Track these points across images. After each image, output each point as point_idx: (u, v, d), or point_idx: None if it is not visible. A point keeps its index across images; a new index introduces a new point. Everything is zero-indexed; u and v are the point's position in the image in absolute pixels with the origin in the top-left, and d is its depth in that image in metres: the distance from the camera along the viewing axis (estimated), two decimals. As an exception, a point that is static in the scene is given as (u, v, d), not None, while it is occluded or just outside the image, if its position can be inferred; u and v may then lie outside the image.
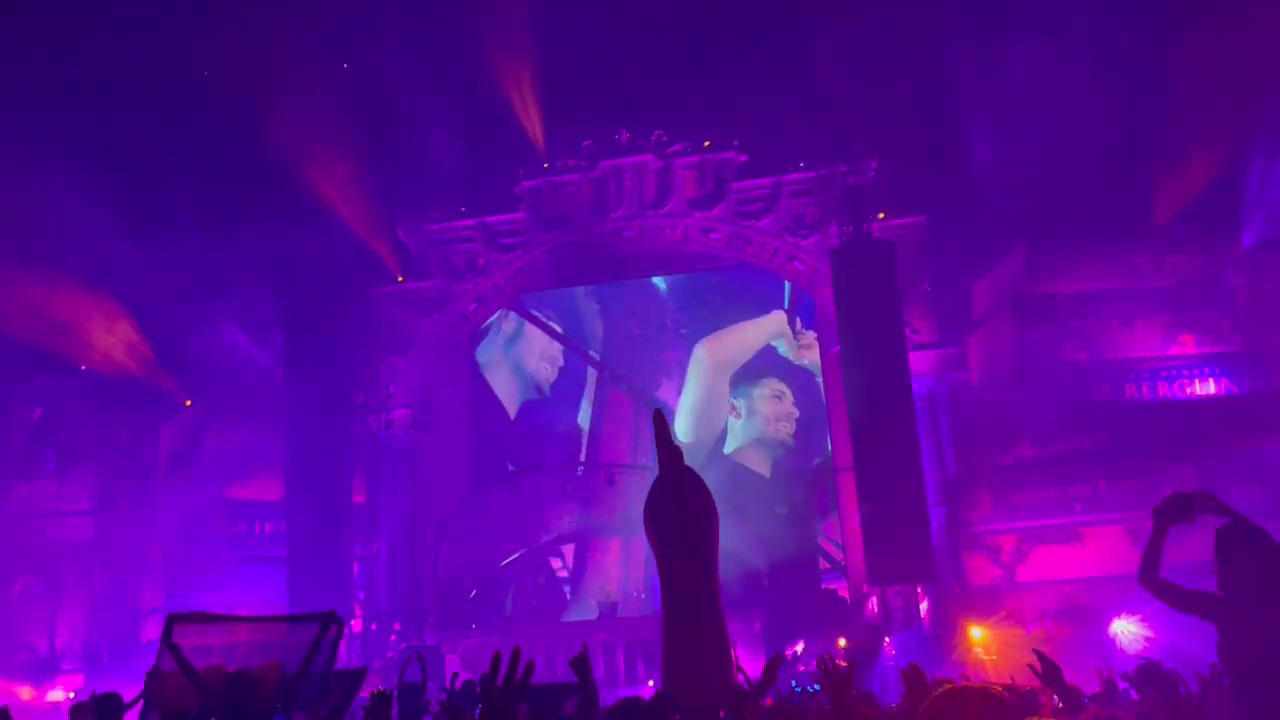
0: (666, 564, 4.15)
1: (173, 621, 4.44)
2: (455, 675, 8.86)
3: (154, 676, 4.70)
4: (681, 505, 4.09)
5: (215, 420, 22.82)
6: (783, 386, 23.56)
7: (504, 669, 2.37)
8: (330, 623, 4.23)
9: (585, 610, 22.35)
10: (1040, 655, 3.94)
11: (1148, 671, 4.12)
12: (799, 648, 17.34)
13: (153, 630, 21.18)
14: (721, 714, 3.89)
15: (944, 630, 17.75)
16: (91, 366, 22.59)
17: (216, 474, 22.34)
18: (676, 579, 4.06)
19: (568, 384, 25.41)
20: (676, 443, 4.42)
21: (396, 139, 22.29)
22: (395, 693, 6.29)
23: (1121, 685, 4.81)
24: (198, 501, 22.21)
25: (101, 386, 22.84)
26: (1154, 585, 3.96)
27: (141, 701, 5.17)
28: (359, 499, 22.13)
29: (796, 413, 23.38)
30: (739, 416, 23.72)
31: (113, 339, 22.30)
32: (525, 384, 24.85)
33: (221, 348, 21.56)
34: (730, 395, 23.90)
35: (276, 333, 21.60)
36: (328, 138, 21.18)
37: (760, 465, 23.27)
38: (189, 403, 23.21)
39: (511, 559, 23.94)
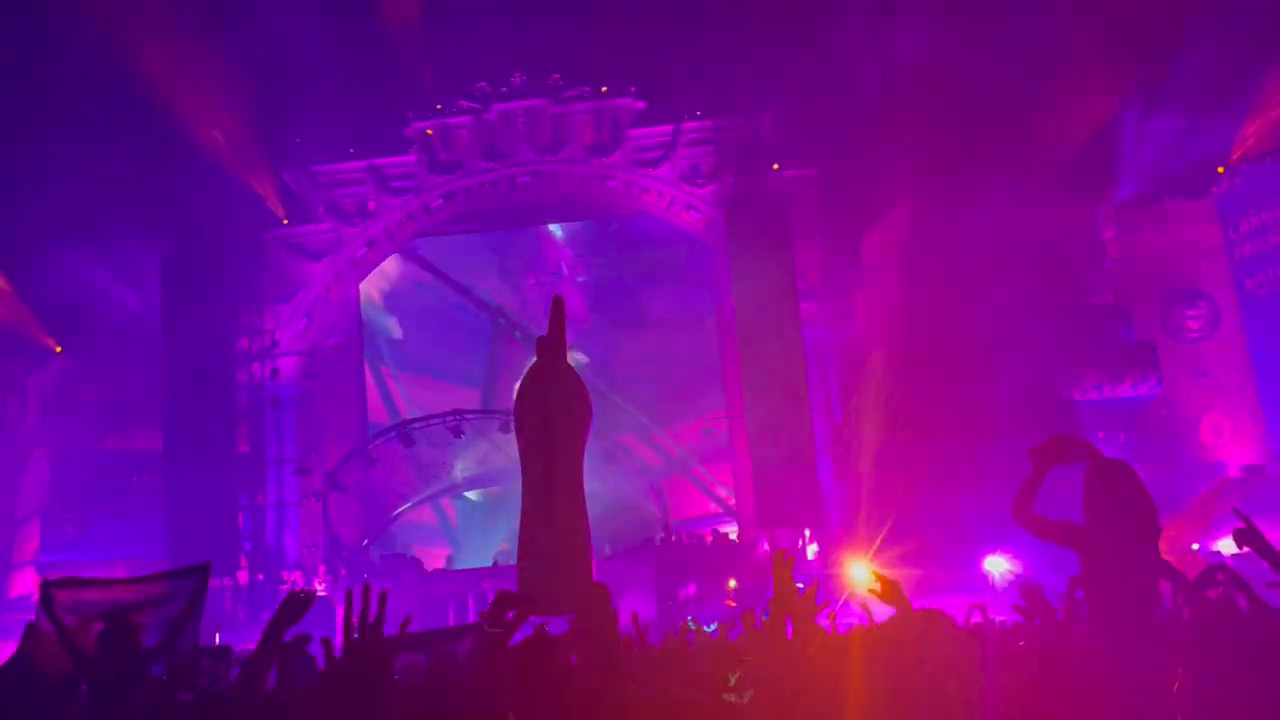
0: (524, 451, 4.07)
1: (49, 587, 4.28)
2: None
3: (32, 632, 4.53)
4: (548, 392, 4.00)
5: (88, 369, 21.80)
6: None
7: (360, 607, 2.33)
8: (207, 574, 4.13)
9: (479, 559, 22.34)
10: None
11: (1029, 589, 4.33)
12: (691, 590, 17.72)
13: (23, 585, 20.34)
14: (576, 613, 3.84)
15: (830, 571, 18.37)
16: (-51, 313, 21.26)
17: (90, 424, 21.42)
18: (531, 468, 3.99)
19: (463, 332, 25.10)
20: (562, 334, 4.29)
21: (280, 74, 21.33)
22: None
23: (996, 618, 5.06)
24: (71, 453, 21.31)
25: (-39, 334, 21.56)
26: (1026, 520, 4.19)
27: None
28: (244, 449, 21.52)
29: None
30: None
31: (-29, 283, 21.00)
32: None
33: (93, 293, 20.51)
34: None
35: (153, 277, 20.65)
36: (206, 72, 20.17)
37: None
38: (59, 349, 22.10)
39: (404, 508, 23.73)
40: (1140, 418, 19.87)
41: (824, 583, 17.77)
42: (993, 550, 15.98)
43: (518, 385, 4.17)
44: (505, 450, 22.76)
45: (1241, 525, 3.90)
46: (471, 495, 24.83)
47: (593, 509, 5.02)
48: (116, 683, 3.60)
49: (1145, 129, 19.92)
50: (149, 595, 4.16)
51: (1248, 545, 3.87)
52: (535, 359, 4.14)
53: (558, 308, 4.11)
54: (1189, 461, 19.14)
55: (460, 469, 23.66)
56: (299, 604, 3.28)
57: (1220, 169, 20.65)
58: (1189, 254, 20.85)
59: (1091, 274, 20.48)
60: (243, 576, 20.56)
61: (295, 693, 3.52)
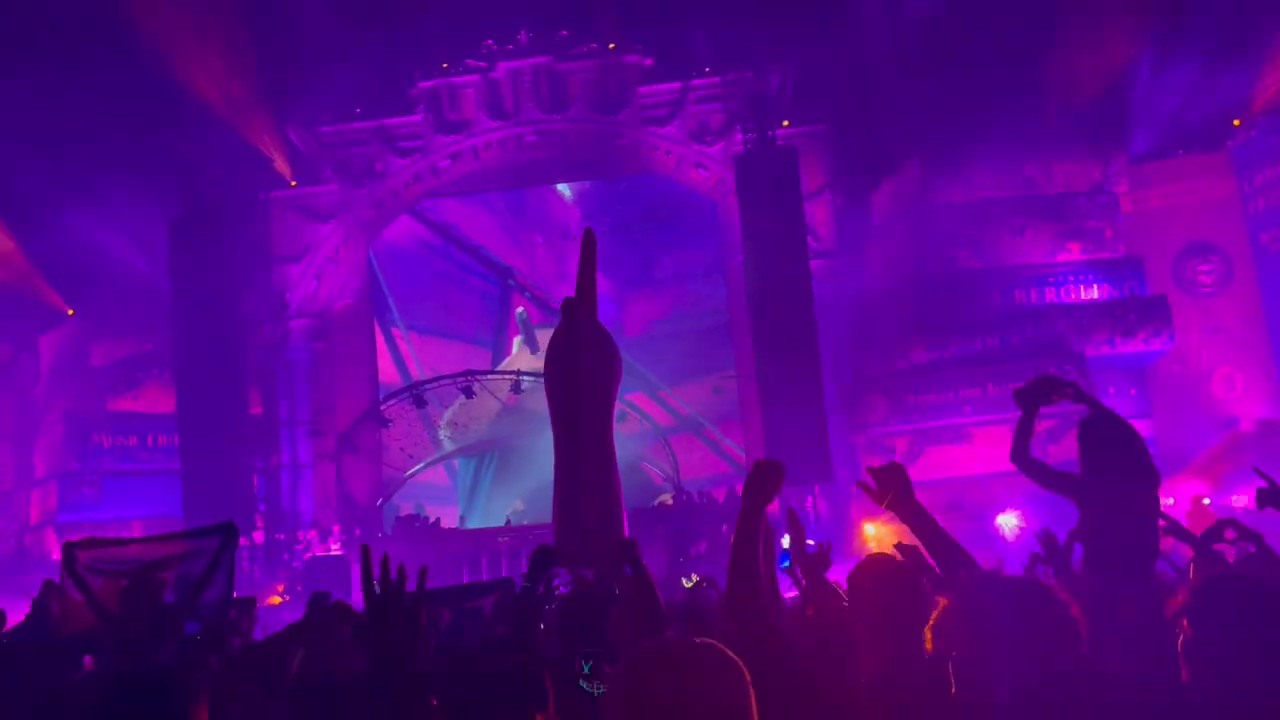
0: (556, 414, 4.08)
1: (72, 548, 4.34)
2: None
3: (48, 589, 4.60)
4: (575, 356, 4.00)
5: (99, 331, 21.92)
6: None
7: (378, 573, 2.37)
8: (231, 534, 4.18)
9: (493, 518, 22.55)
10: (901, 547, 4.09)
11: (1049, 540, 4.36)
12: (702, 548, 17.84)
13: (41, 546, 20.61)
14: (609, 564, 3.90)
15: (841, 528, 18.48)
16: (-39, 276, 21.33)
17: (103, 386, 21.58)
18: (564, 430, 4.00)
19: (472, 293, 25.11)
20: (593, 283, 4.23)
21: (286, 33, 21.15)
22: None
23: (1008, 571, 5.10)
24: (84, 414, 21.47)
25: (-27, 297, 21.65)
26: (1024, 463, 4.21)
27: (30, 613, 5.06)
28: (256, 411, 21.66)
29: None
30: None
31: (-17, 246, 21.04)
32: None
33: (102, 254, 20.53)
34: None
35: (161, 238, 20.63)
36: (211, 31, 20.01)
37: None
38: (70, 312, 22.19)
39: (417, 469, 23.91)
40: (1152, 372, 19.83)
41: (834, 540, 17.89)
42: (1004, 507, 16.04)
43: (547, 347, 4.13)
44: (515, 410, 22.92)
45: (1264, 485, 3.89)
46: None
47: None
48: (143, 639, 3.66)
49: (1160, 80, 19.64)
50: (170, 553, 4.22)
51: (1271, 506, 3.87)
52: (561, 321, 4.12)
53: (588, 243, 4.03)
54: (1200, 416, 19.12)
55: (472, 429, 23.80)
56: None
57: (1236, 122, 20.39)
58: (1202, 208, 20.66)
59: (1104, 228, 20.33)
60: (258, 536, 20.79)
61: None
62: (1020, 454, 4.23)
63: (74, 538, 4.86)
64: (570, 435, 3.94)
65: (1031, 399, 4.22)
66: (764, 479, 3.04)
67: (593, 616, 3.35)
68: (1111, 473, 3.89)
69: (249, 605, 5.32)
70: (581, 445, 3.94)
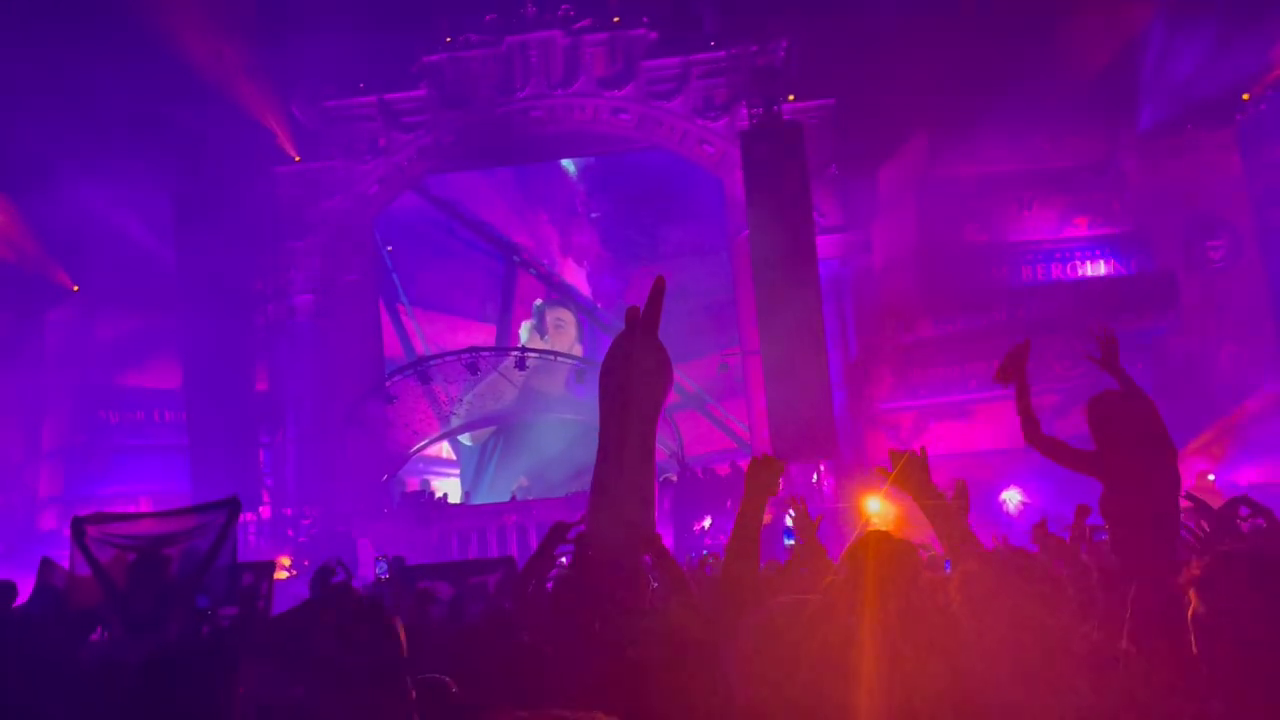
0: (603, 411, 4.26)
1: (81, 523, 4.35)
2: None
3: (46, 566, 4.62)
4: (627, 362, 4.15)
5: (105, 307, 21.92)
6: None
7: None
8: (236, 509, 4.19)
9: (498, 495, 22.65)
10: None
11: (1041, 529, 4.37)
12: (706, 522, 17.90)
13: (49, 521, 20.74)
14: (639, 555, 4.05)
15: (845, 504, 18.49)
16: (-35, 251, 21.33)
17: (109, 362, 21.64)
18: (608, 427, 4.17)
19: (477, 269, 25.08)
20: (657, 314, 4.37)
21: (287, 5, 21.01)
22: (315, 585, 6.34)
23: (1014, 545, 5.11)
24: (92, 389, 21.54)
25: (-22, 272, 21.65)
26: (1041, 443, 4.15)
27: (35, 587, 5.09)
28: (262, 386, 21.72)
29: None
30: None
31: (-13, 222, 21.02)
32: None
33: (108, 229, 20.52)
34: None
35: (166, 214, 20.61)
36: (214, 4, 19.88)
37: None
38: (76, 288, 22.20)
39: (421, 445, 23.98)
40: (1158, 348, 19.78)
41: (837, 516, 17.92)
42: (1008, 482, 16.06)
43: (609, 349, 4.32)
44: (520, 387, 22.95)
45: None
46: (465, 440, 25.12)
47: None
48: (149, 613, 3.68)
49: (1169, 53, 19.46)
50: (177, 529, 4.23)
51: None
52: (625, 329, 4.26)
53: (658, 289, 4.17)
54: (1206, 392, 19.07)
55: (477, 405, 23.85)
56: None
57: (1245, 95, 20.21)
58: (1211, 183, 20.51)
59: (1111, 203, 20.21)
60: (265, 511, 20.89)
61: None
62: (1032, 433, 4.17)
63: (82, 513, 4.88)
64: (619, 438, 4.12)
65: (1014, 374, 4.15)
66: (758, 475, 3.28)
67: (600, 587, 3.41)
68: (1127, 447, 3.86)
69: (267, 569, 5.35)
70: (627, 448, 4.10)
